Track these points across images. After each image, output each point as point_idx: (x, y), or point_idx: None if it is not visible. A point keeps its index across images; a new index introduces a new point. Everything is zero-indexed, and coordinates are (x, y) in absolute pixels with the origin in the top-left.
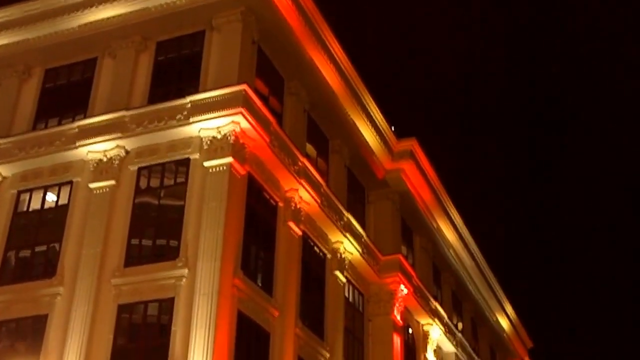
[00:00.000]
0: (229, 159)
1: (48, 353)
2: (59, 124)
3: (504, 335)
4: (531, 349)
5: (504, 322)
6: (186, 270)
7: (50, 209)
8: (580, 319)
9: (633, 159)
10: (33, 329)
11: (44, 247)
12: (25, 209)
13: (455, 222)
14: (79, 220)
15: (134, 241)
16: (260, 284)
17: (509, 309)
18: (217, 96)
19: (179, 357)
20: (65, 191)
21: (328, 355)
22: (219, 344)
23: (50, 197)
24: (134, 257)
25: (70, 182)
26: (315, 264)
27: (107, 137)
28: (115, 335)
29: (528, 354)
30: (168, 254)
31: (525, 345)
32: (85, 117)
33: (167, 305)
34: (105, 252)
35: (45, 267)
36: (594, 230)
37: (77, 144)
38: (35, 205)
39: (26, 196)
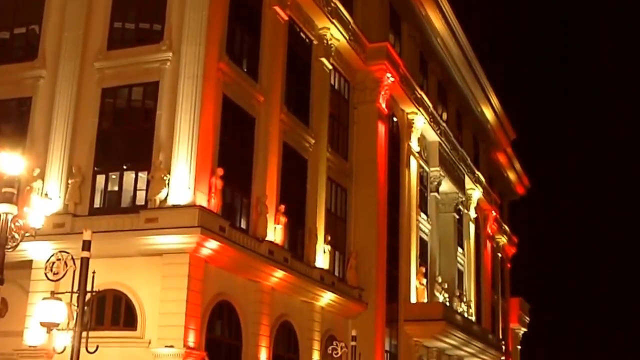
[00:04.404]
0: None
1: (34, 135)
2: None
3: (488, 126)
4: (514, 140)
5: (489, 113)
6: (170, 54)
7: None
8: (563, 110)
9: None
10: (18, 111)
11: (23, 29)
12: None
13: (444, 10)
14: (58, 1)
15: (117, 24)
16: (245, 69)
17: (494, 99)
18: None
19: (164, 141)
20: None
21: (313, 141)
22: (204, 128)
23: None
24: (117, 41)
25: None
26: (301, 50)
27: None
28: (100, 119)
29: (511, 145)
30: (152, 37)
31: (509, 136)
32: None
33: (151, 89)
34: (87, 35)
35: (25, 49)
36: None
37: None
38: None
39: None
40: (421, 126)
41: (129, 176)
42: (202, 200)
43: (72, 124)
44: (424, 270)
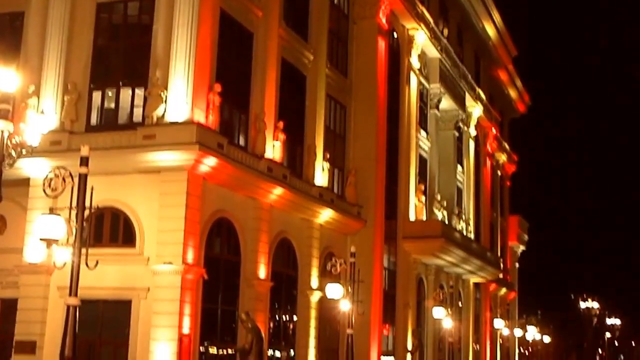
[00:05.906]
0: None
1: (28, 51)
2: None
3: (489, 42)
4: (515, 57)
5: (490, 29)
6: None
7: None
8: (565, 28)
9: None
10: (11, 26)
11: None
12: None
13: None
14: None
15: None
16: None
17: (496, 15)
18: None
19: (161, 57)
20: None
21: (312, 57)
22: (201, 43)
23: None
24: None
25: None
26: None
27: None
28: (95, 35)
29: (512, 62)
30: None
31: (510, 53)
32: None
33: (147, 4)
34: None
35: None
36: None
37: None
38: None
39: None
40: (422, 42)
41: (126, 92)
42: (199, 117)
43: (66, 40)
44: (423, 187)
